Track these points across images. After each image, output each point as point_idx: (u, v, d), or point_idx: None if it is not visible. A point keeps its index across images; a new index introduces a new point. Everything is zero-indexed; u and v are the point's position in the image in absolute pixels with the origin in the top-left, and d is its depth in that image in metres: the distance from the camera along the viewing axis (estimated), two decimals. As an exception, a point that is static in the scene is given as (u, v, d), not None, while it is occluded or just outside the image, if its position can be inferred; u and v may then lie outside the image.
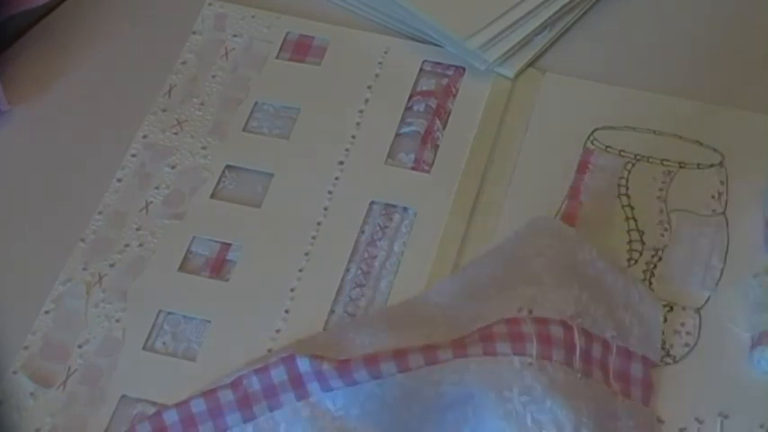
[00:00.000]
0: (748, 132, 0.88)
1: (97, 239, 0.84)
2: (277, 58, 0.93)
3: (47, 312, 0.81)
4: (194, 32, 0.94)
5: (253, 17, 0.95)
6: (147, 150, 0.88)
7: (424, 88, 0.91)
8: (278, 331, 0.80)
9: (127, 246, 0.84)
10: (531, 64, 0.92)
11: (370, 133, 0.89)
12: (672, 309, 0.80)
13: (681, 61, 0.92)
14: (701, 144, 0.87)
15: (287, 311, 0.81)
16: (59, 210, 0.86)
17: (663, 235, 0.83)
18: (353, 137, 0.89)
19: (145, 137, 0.89)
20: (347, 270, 0.82)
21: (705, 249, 0.83)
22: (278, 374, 0.75)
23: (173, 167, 0.87)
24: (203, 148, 0.88)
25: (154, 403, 0.77)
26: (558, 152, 0.88)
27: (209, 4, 0.96)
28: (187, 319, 0.81)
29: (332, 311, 0.81)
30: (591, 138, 0.88)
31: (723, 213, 0.84)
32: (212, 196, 0.86)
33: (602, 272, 0.80)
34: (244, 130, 0.89)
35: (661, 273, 0.82)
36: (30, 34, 0.94)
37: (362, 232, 0.84)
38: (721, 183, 0.86)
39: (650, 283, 0.81)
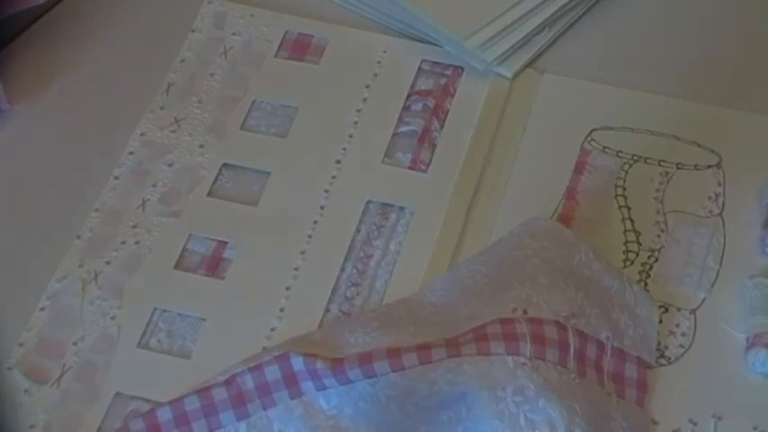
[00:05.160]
0: (746, 134, 0.88)
1: (93, 236, 0.84)
2: (276, 56, 0.93)
3: (42, 309, 0.81)
4: (193, 31, 0.94)
5: (252, 16, 0.95)
6: (144, 148, 0.88)
7: (423, 88, 0.91)
8: (273, 329, 0.80)
9: (123, 243, 0.84)
10: (529, 64, 0.92)
11: (367, 132, 0.89)
12: (667, 310, 0.80)
13: (679, 62, 0.92)
14: (699, 145, 0.87)
15: (282, 310, 0.81)
16: (56, 206, 0.86)
17: (659, 236, 0.83)
18: (351, 136, 0.89)
19: (143, 135, 0.89)
20: (343, 269, 0.82)
21: (701, 251, 0.83)
22: (272, 373, 0.75)
23: (170, 165, 0.87)
24: (201, 146, 0.88)
25: (148, 401, 0.77)
26: (556, 152, 0.88)
27: (209, 3, 0.96)
28: (182, 317, 0.81)
29: (327, 310, 0.81)
30: (588, 138, 0.88)
31: (720, 215, 0.84)
32: (209, 194, 0.86)
33: (597, 273, 0.79)
34: (241, 128, 0.89)
35: (657, 274, 0.82)
36: (29, 33, 0.94)
37: (359, 231, 0.84)
38: (718, 184, 0.85)
39: (646, 284, 0.81)
